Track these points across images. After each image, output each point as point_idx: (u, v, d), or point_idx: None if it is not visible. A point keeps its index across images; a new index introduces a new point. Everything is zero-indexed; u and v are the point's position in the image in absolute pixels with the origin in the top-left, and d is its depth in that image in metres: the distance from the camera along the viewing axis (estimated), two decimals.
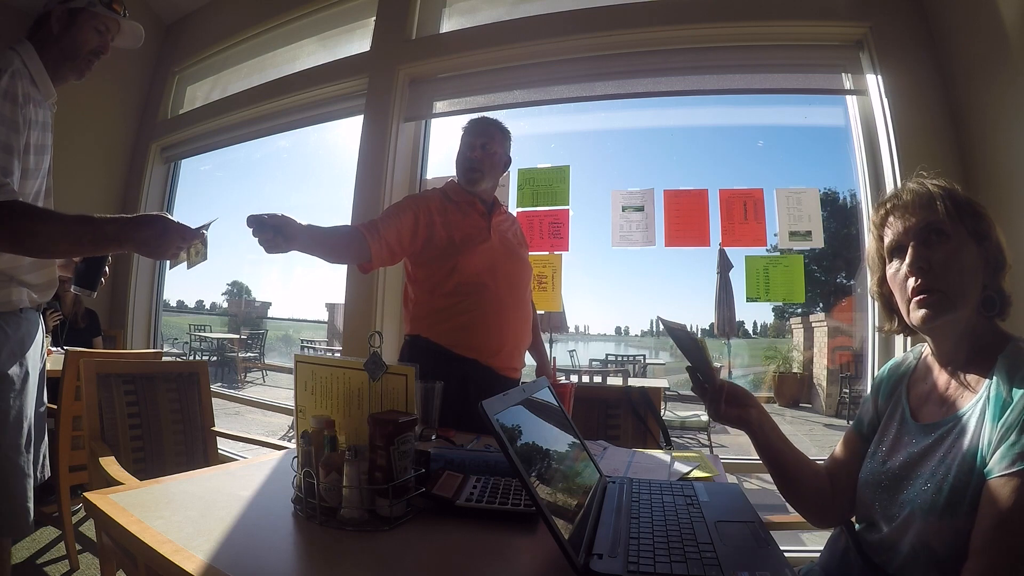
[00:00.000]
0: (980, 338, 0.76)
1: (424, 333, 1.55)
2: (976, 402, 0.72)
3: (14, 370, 1.20)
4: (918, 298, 0.76)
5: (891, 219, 0.82)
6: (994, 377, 0.71)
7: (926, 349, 0.86)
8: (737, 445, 5.62)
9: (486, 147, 1.63)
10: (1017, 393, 0.66)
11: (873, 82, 2.17)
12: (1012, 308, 0.78)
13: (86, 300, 3.54)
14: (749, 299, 2.29)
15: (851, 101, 2.32)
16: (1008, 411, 0.66)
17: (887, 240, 0.82)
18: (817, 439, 5.42)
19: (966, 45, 1.98)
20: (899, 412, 0.85)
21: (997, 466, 0.65)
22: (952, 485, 0.69)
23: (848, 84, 2.28)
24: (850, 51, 2.27)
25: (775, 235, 2.31)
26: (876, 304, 0.90)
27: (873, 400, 0.92)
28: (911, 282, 0.77)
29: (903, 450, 0.80)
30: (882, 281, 0.86)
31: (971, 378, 0.75)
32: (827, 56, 2.32)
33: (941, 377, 0.80)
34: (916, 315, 0.76)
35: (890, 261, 0.82)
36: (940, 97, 2.06)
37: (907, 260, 0.77)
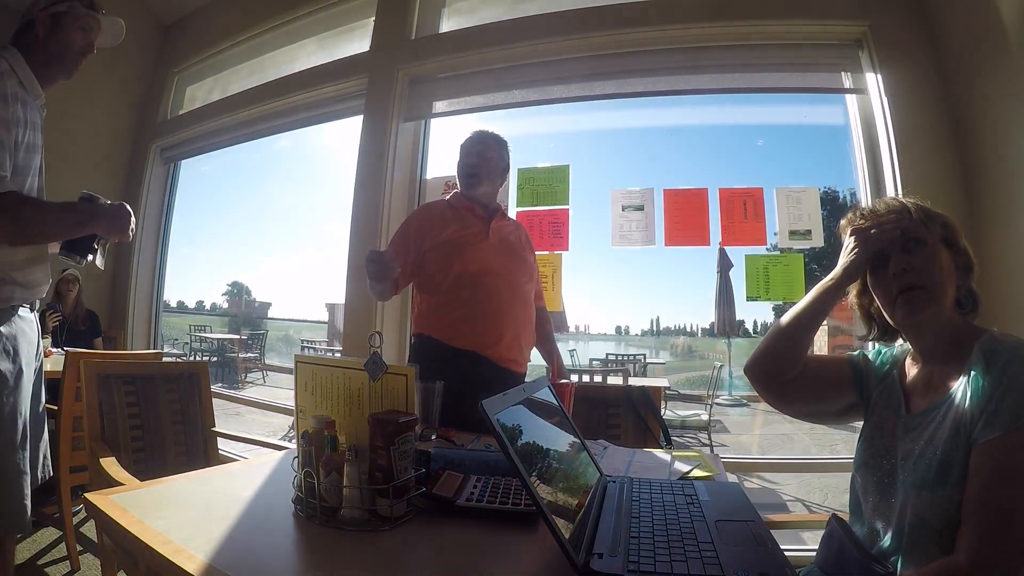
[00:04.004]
0: (957, 333, 0.83)
1: (427, 331, 1.60)
2: (959, 386, 0.77)
3: (6, 367, 1.21)
4: (904, 295, 0.83)
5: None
6: (973, 361, 0.76)
7: (909, 349, 0.92)
8: (738, 444, 5.62)
9: (482, 153, 1.71)
10: (994, 369, 0.73)
11: (873, 81, 2.17)
12: (982, 305, 0.87)
13: (86, 300, 3.55)
14: (749, 298, 2.29)
15: (851, 100, 2.32)
16: (984, 387, 0.72)
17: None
18: (817, 438, 5.42)
19: (965, 43, 1.98)
20: (894, 402, 0.89)
21: (981, 434, 0.70)
22: (940, 459, 0.74)
23: (848, 83, 2.28)
24: (849, 50, 2.27)
25: (775, 234, 2.31)
26: (857, 314, 1.00)
27: (869, 364, 0.96)
28: (895, 283, 0.84)
29: (899, 439, 0.84)
30: (861, 292, 0.95)
31: (953, 367, 0.81)
32: (826, 55, 2.31)
33: (925, 371, 0.87)
34: (902, 311, 0.84)
35: (872, 271, 0.89)
36: (939, 95, 2.06)
37: (892, 264, 0.85)
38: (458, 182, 1.74)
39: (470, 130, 1.79)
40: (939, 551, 0.73)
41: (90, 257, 1.37)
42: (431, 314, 1.60)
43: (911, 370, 0.90)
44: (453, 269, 1.57)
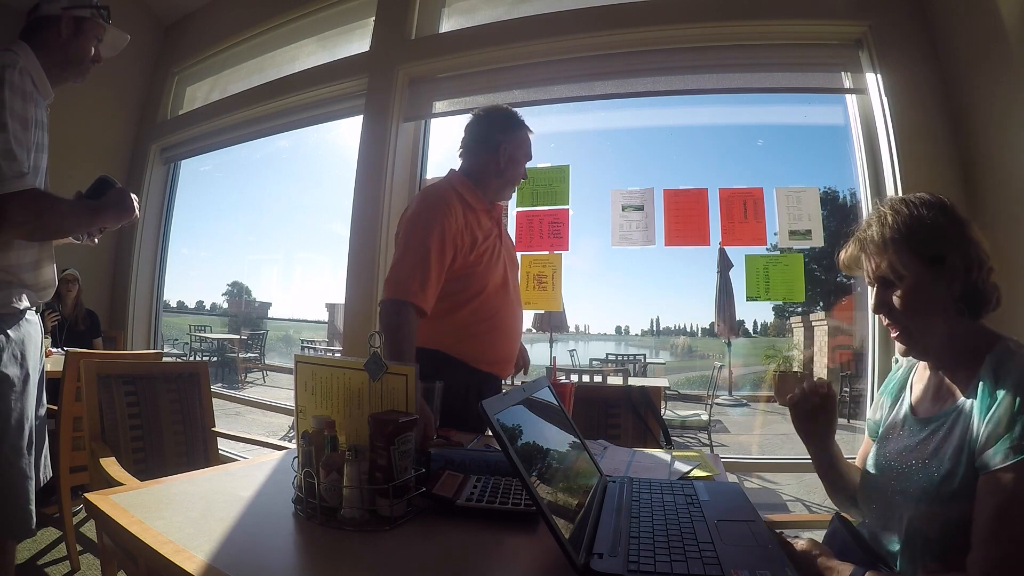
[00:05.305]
0: (964, 340, 0.81)
1: (444, 348, 1.46)
2: (967, 398, 0.77)
3: (14, 371, 1.21)
4: (893, 334, 0.87)
5: (862, 255, 0.89)
6: (982, 375, 0.75)
7: None
8: (737, 444, 5.62)
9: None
10: (1002, 390, 0.71)
11: (873, 81, 2.17)
12: (995, 300, 0.82)
13: (86, 300, 3.54)
14: (749, 298, 2.29)
15: (851, 100, 2.32)
16: (995, 407, 0.71)
17: (865, 270, 0.90)
18: None
19: (965, 43, 1.98)
20: (903, 408, 0.91)
21: (991, 461, 0.69)
22: (943, 475, 0.75)
23: (848, 83, 2.28)
24: (849, 50, 2.27)
25: (775, 234, 2.31)
26: None
27: (883, 401, 0.99)
28: (882, 319, 0.87)
29: (904, 444, 0.86)
30: None
31: (962, 376, 0.80)
32: (826, 55, 2.31)
33: (935, 376, 0.87)
34: (897, 347, 0.88)
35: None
36: (939, 95, 2.06)
37: (871, 302, 0.88)
38: (497, 181, 1.55)
39: (511, 107, 1.63)
40: (936, 561, 0.74)
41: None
42: (452, 333, 1.46)
43: (923, 375, 0.91)
44: (486, 287, 1.47)
